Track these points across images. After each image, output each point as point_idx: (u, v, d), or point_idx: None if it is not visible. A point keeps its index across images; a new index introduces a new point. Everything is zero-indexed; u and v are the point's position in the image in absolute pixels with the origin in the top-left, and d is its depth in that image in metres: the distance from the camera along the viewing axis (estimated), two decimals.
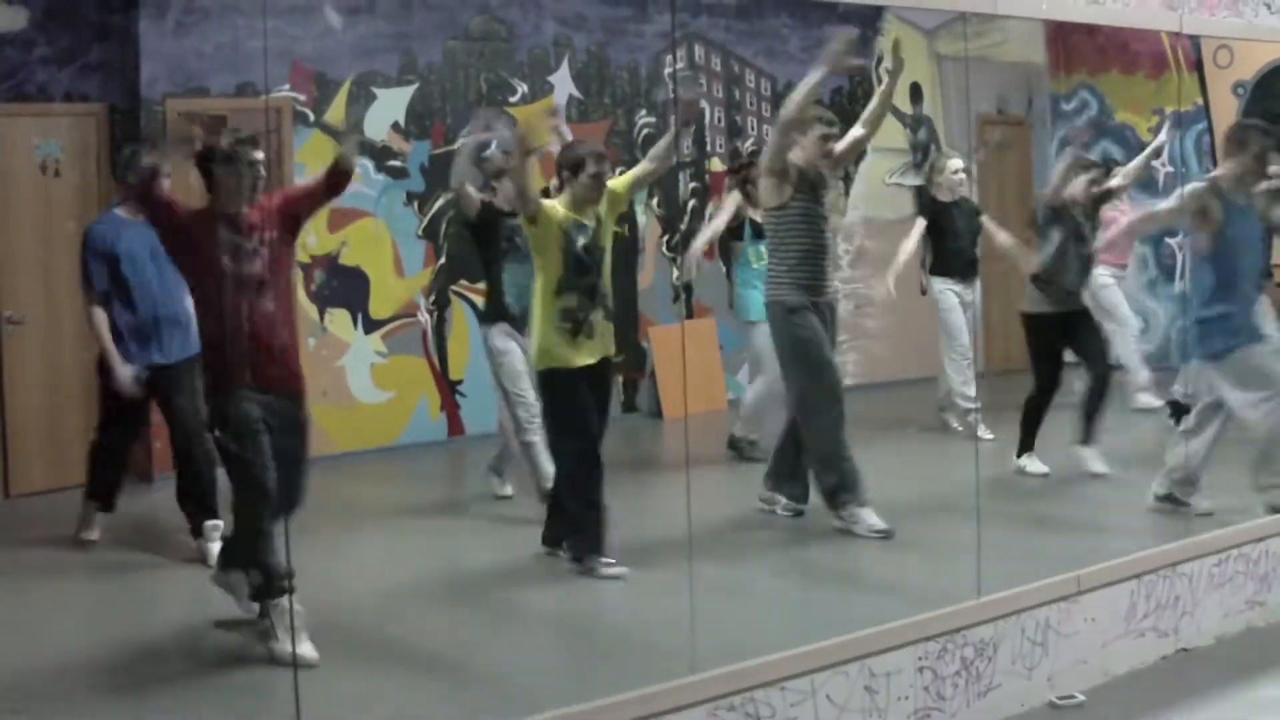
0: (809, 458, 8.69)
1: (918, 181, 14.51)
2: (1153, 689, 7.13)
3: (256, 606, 6.57)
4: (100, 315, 8.14)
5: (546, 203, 7.80)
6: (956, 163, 11.72)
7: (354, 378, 11.60)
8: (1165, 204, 8.61)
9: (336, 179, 6.80)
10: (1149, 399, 11.93)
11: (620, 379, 13.04)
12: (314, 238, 11.30)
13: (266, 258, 6.51)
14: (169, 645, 6.91)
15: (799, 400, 8.69)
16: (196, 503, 8.23)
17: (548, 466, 8.39)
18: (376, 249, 11.66)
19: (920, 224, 11.60)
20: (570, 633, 7.03)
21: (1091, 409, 9.91)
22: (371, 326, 11.66)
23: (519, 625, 7.27)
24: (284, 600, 6.35)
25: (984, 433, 10.53)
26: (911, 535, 8.52)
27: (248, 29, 10.82)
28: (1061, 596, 6.97)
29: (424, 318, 11.93)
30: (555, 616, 7.39)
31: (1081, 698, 6.92)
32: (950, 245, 11.50)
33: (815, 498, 8.79)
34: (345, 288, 11.52)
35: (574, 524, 7.84)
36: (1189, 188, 8.51)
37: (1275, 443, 8.29)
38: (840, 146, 8.86)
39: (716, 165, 13.71)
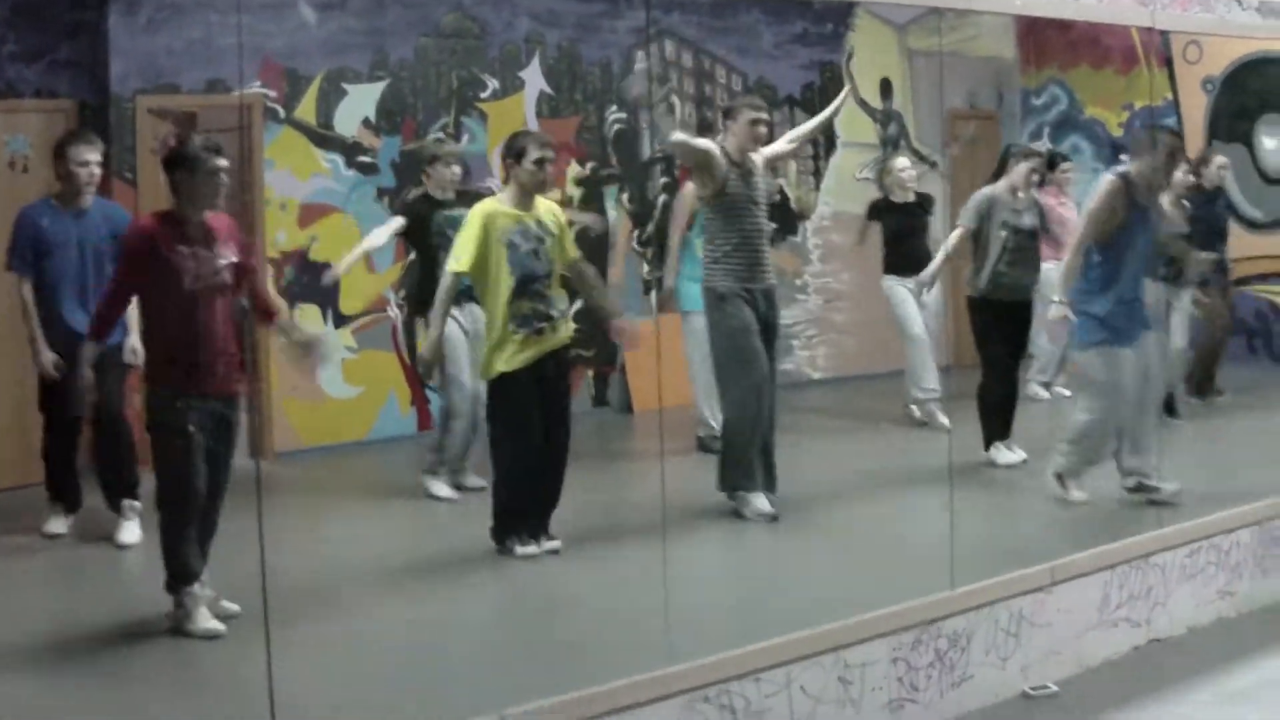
0: (724, 437, 8.83)
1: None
2: (1125, 679, 7.17)
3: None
4: (28, 293, 8.33)
5: (484, 203, 7.90)
6: (904, 161, 12.07)
7: (324, 373, 11.54)
8: (1093, 205, 8.56)
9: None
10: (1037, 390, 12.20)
11: (590, 374, 13.07)
12: (283, 234, 11.27)
13: (222, 267, 6.69)
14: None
15: (724, 386, 8.89)
16: (114, 482, 8.46)
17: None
18: (346, 244, 11.48)
19: (873, 227, 11.88)
20: (544, 623, 6.99)
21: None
22: (341, 321, 11.63)
23: (491, 617, 7.27)
24: (194, 587, 6.67)
25: (943, 419, 10.98)
26: (883, 527, 8.57)
27: (218, 25, 10.76)
28: (1035, 588, 7.00)
29: (394, 313, 11.89)
30: (528, 607, 7.37)
31: (1054, 688, 6.96)
32: (901, 244, 11.69)
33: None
34: (315, 283, 11.45)
35: (498, 507, 7.99)
36: (1104, 182, 8.58)
37: (1090, 430, 8.58)
38: (767, 152, 8.91)
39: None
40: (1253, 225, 14.86)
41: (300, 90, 11.42)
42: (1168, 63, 15.29)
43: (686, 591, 6.72)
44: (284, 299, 11.26)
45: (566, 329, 7.98)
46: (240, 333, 6.94)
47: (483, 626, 7.03)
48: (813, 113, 14.38)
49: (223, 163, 6.71)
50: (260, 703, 5.21)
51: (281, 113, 11.30)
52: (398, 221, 9.55)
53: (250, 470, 10.30)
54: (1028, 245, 10.06)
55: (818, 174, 14.79)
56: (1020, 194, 10.09)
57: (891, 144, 15.24)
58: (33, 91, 10.28)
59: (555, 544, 7.98)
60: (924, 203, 11.95)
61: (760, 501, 8.62)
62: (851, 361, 13.05)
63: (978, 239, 10.09)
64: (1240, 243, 14.66)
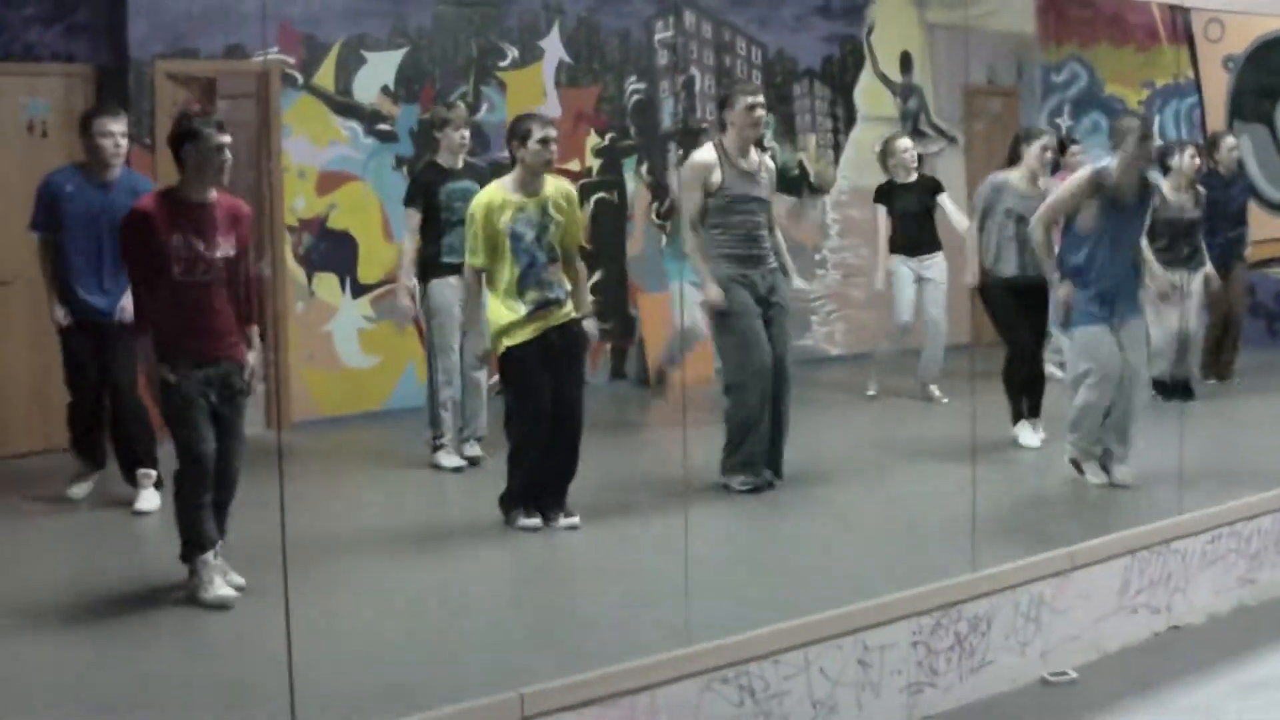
0: (728, 421, 8.82)
1: (921, 149, 14.50)
2: (1145, 666, 7.15)
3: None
4: (45, 251, 8.53)
5: (486, 192, 7.96)
6: (906, 142, 12.11)
7: (341, 342, 11.53)
8: (1060, 191, 8.91)
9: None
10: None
11: (609, 346, 13.03)
12: (302, 200, 11.22)
13: (214, 260, 6.71)
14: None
15: (724, 370, 8.95)
16: (128, 451, 8.55)
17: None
18: (365, 213, 11.57)
19: (882, 211, 11.92)
20: (560, 599, 6.95)
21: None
22: (359, 291, 11.57)
23: (507, 592, 7.24)
24: (208, 555, 6.71)
25: (936, 394, 11.75)
26: (903, 506, 8.54)
27: None
28: (1055, 572, 6.96)
29: (412, 282, 11.80)
30: (543, 582, 7.34)
31: (1074, 675, 6.92)
32: (907, 225, 11.80)
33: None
34: (333, 252, 11.43)
35: (510, 479, 8.05)
36: (1079, 175, 8.81)
37: (1085, 413, 8.67)
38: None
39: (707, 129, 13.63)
40: (1274, 207, 14.78)
41: (319, 57, 11.35)
42: (1189, 40, 15.19)
43: (705, 570, 6.67)
44: (302, 266, 11.22)
45: (570, 307, 8.00)
46: (244, 303, 6.96)
47: (498, 602, 6.98)
48: (832, 86, 14.47)
49: (225, 139, 6.72)
50: (279, 674, 5.16)
51: (300, 79, 11.23)
52: (415, 218, 9.51)
53: (267, 441, 10.41)
54: None
55: (837, 148, 14.72)
56: (1040, 180, 10.02)
57: (911, 118, 15.18)
58: (50, 55, 10.22)
59: (574, 520, 7.99)
60: (928, 183, 12.02)
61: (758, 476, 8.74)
62: (870, 337, 12.97)
63: (983, 226, 10.12)
64: (1261, 224, 14.59)
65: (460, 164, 9.55)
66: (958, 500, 7.69)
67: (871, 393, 12.18)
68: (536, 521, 7.93)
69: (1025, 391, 10.10)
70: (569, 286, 8.03)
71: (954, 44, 15.50)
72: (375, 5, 11.61)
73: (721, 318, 8.78)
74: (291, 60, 11.18)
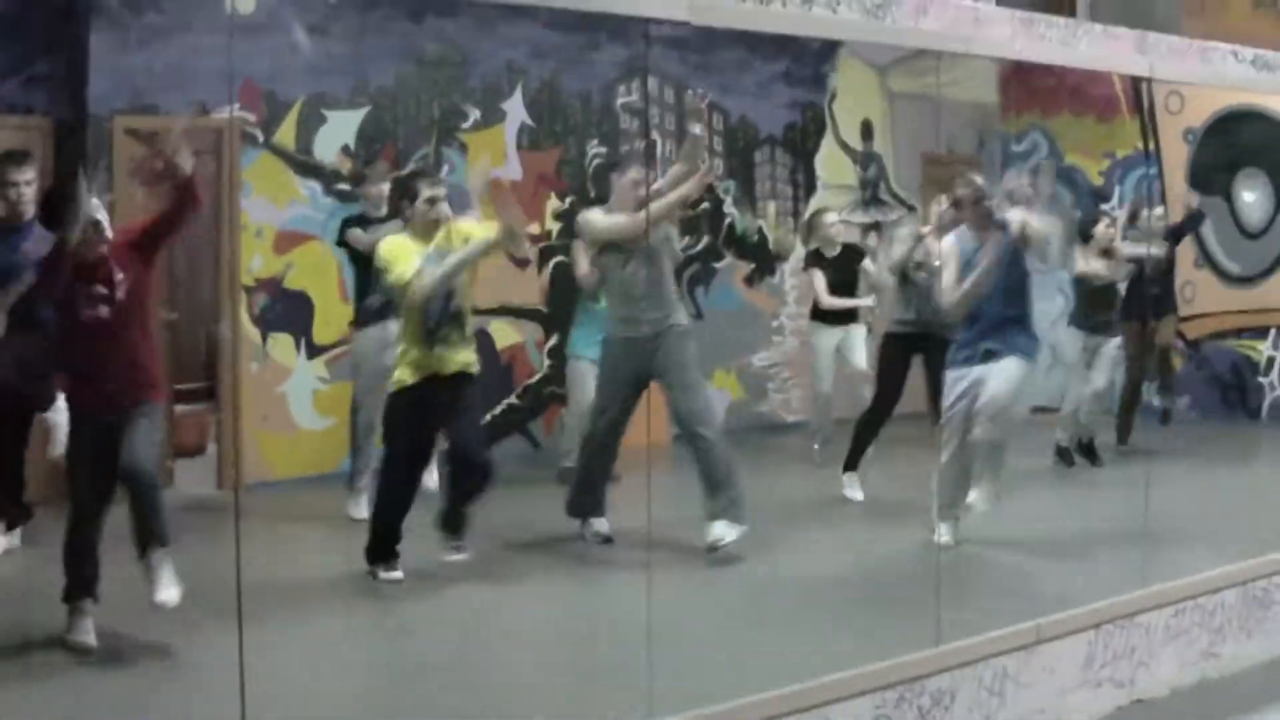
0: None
1: (866, 219, 14.50)
2: None
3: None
4: None
5: (391, 238, 8.15)
6: (832, 216, 12.21)
7: (295, 404, 11.41)
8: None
9: (182, 196, 6.84)
10: None
11: (563, 411, 12.91)
12: (259, 260, 11.11)
13: (116, 295, 6.81)
14: None
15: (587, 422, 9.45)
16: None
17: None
18: (322, 273, 11.47)
19: (818, 273, 11.87)
20: (517, 670, 6.84)
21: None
22: (314, 351, 11.46)
23: (455, 658, 7.10)
24: (83, 603, 6.85)
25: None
26: (864, 577, 8.47)
27: (199, 46, 10.62)
28: (1020, 645, 6.86)
29: None
30: (496, 651, 7.22)
31: None
32: (832, 294, 11.81)
33: (762, 537, 8.78)
34: (289, 312, 11.33)
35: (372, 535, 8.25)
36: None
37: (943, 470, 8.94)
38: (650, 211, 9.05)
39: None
40: (1230, 279, 14.83)
41: (280, 115, 11.26)
42: (1139, 111, 15.28)
43: (664, 642, 6.55)
44: (257, 327, 11.10)
45: (467, 355, 8.16)
46: (153, 345, 7.17)
47: (449, 673, 6.84)
48: (793, 153, 14.46)
49: (22, 176, 7.31)
50: None
51: (260, 137, 11.13)
52: (342, 254, 10.05)
53: (217, 501, 10.28)
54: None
55: (796, 215, 14.70)
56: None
57: (870, 186, 15.19)
58: (8, 107, 10.11)
59: (463, 555, 8.29)
60: (852, 253, 12.02)
61: (601, 525, 9.12)
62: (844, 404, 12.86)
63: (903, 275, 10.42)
64: (1218, 296, 14.69)
65: (384, 213, 9.72)
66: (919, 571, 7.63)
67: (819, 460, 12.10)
68: (398, 575, 8.12)
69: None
70: (469, 333, 8.22)
71: (915, 112, 15.52)
72: (338, 64, 11.53)
73: (597, 375, 9.34)
74: (252, 118, 11.09)
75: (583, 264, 9.91)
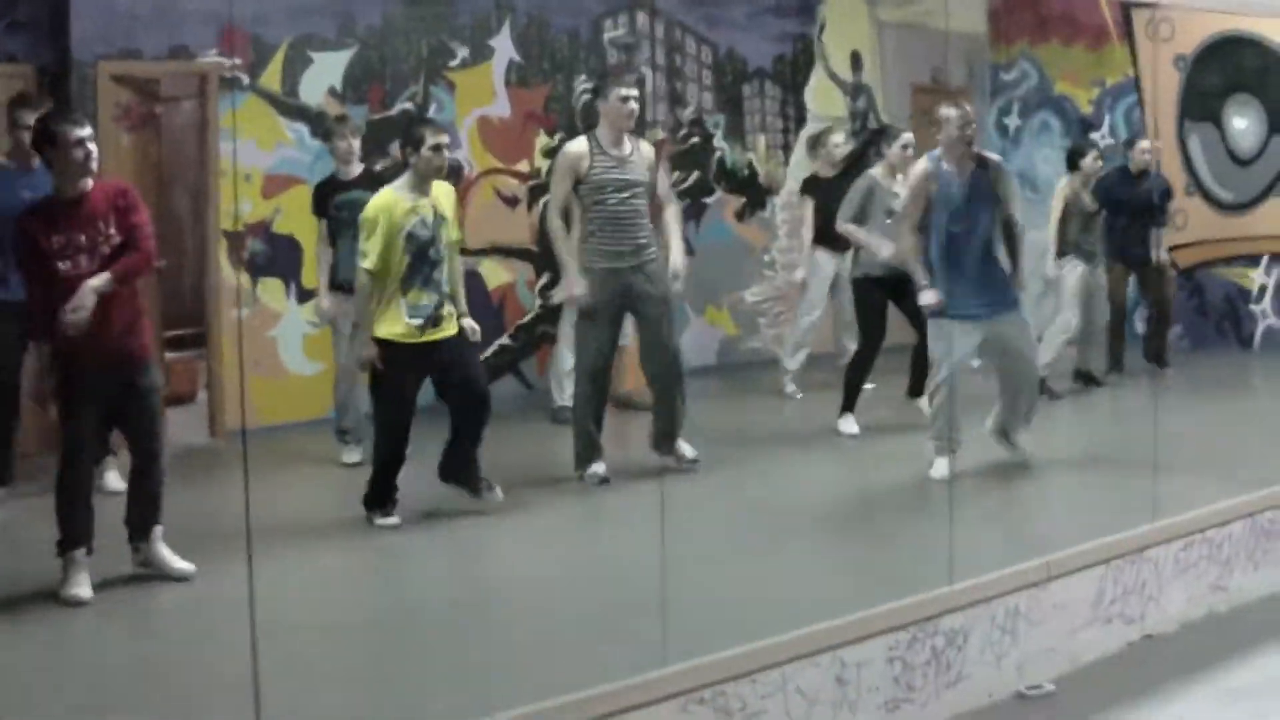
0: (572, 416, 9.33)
1: (850, 147, 14.40)
2: (1121, 678, 7.00)
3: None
4: None
5: (380, 196, 8.12)
6: (839, 138, 12.38)
7: (285, 349, 11.30)
8: (906, 191, 9.25)
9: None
10: None
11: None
12: (248, 204, 10.97)
13: (98, 249, 6.80)
14: None
15: (575, 366, 9.41)
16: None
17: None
18: (310, 216, 11.26)
19: (809, 204, 12.04)
20: (526, 618, 6.75)
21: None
22: (304, 296, 11.32)
23: (470, 608, 7.00)
24: (79, 552, 6.83)
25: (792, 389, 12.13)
26: (872, 516, 8.45)
27: None
28: (1032, 583, 6.82)
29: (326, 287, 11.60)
30: (511, 600, 7.14)
31: (1051, 687, 6.78)
32: (829, 218, 11.61)
33: (764, 476, 8.70)
34: (278, 256, 11.20)
35: (370, 487, 8.25)
36: (915, 168, 9.19)
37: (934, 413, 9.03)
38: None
39: (658, 134, 13.47)
40: (1222, 206, 14.75)
41: (265, 57, 11.11)
42: (1128, 38, 15.19)
43: (677, 587, 6.48)
44: (248, 272, 10.98)
45: (453, 321, 8.22)
46: (141, 303, 7.13)
47: (460, 619, 6.76)
48: (783, 86, 14.33)
49: (84, 132, 6.77)
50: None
51: (245, 81, 10.97)
52: (322, 225, 9.76)
53: (210, 449, 10.20)
54: None
55: (786, 148, 14.59)
56: (899, 175, 10.47)
57: (860, 117, 15.07)
58: None
59: (497, 493, 8.41)
60: (848, 178, 11.85)
61: (599, 467, 9.06)
62: (820, 339, 12.81)
63: (860, 222, 10.57)
64: (1210, 224, 14.62)
65: (354, 173, 9.64)
66: (929, 511, 7.58)
67: (791, 390, 12.21)
68: (395, 520, 8.13)
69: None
70: (452, 304, 8.26)
71: (904, 42, 15.42)
72: (323, 4, 11.38)
73: (580, 311, 9.08)
74: (236, 61, 10.91)
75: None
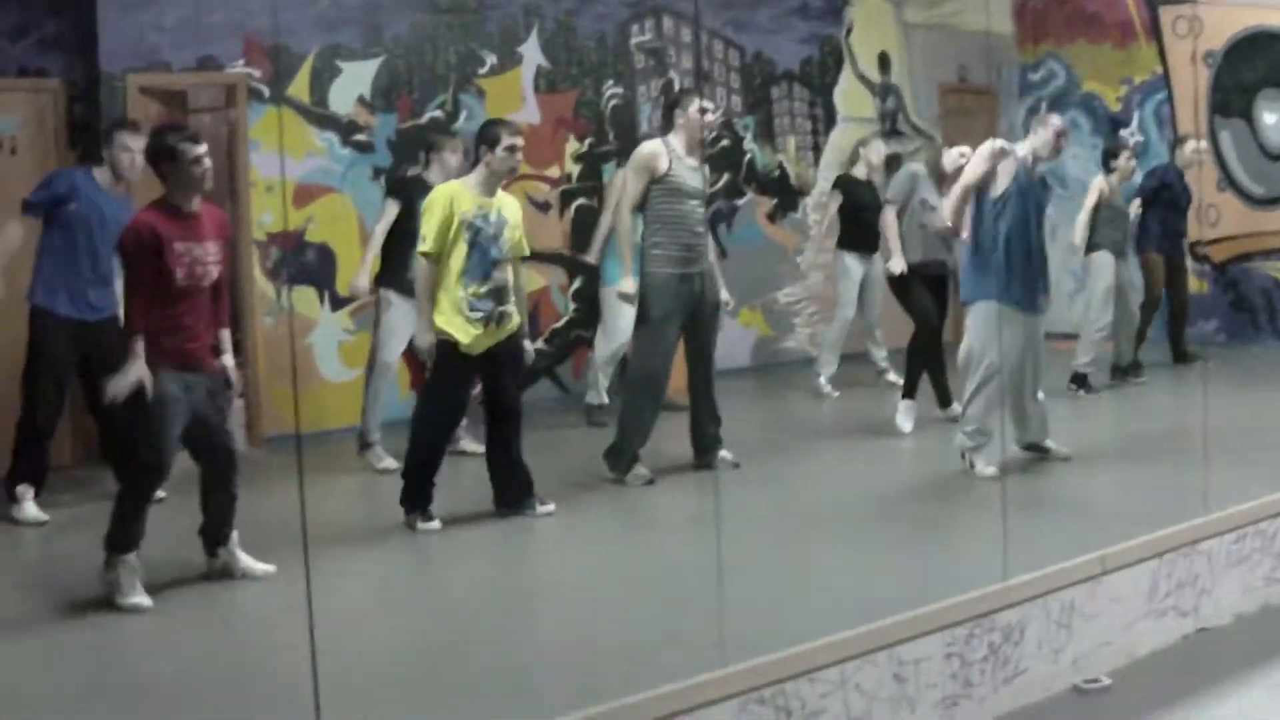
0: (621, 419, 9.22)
1: (886, 151, 14.32)
2: (1176, 671, 6.95)
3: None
4: (11, 230, 8.62)
5: (448, 185, 8.15)
6: (882, 146, 12.46)
7: (321, 356, 11.27)
8: (971, 166, 9.11)
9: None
10: None
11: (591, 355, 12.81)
12: (269, 215, 10.93)
13: (211, 264, 6.96)
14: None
15: (630, 368, 9.49)
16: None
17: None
18: (343, 225, 11.31)
19: (836, 197, 12.24)
20: (579, 621, 6.70)
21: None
22: (338, 304, 11.31)
23: (522, 609, 6.96)
24: (129, 557, 6.80)
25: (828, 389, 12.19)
26: (921, 515, 8.38)
27: (208, 1, 10.48)
28: (1087, 577, 6.76)
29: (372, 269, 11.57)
30: (562, 602, 7.09)
31: (1107, 681, 6.72)
32: (859, 220, 11.96)
33: (812, 475, 8.66)
34: (312, 264, 11.18)
35: (406, 476, 8.25)
36: (985, 146, 9.04)
37: (969, 404, 8.93)
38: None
39: None
40: (1254, 201, 14.67)
41: (294, 68, 11.08)
42: (1156, 36, 15.15)
43: (733, 588, 6.42)
44: (270, 281, 10.94)
45: (516, 321, 8.20)
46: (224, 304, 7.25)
47: (512, 622, 6.71)
48: (811, 87, 14.29)
49: (202, 149, 6.91)
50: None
51: (266, 93, 10.93)
52: (394, 208, 9.64)
53: (245, 457, 10.10)
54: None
55: (817, 149, 14.55)
56: (944, 185, 10.44)
57: (889, 118, 15.04)
58: (18, 70, 9.94)
59: (550, 507, 8.37)
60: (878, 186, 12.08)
61: (640, 468, 9.05)
62: (852, 339, 12.76)
63: (902, 215, 10.60)
64: (1243, 218, 14.54)
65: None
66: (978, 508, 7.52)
67: (827, 389, 12.24)
68: (436, 525, 8.11)
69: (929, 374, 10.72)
70: (513, 299, 8.21)
71: (931, 43, 15.39)
72: (350, 14, 11.36)
73: (642, 315, 9.04)
74: (258, 73, 10.89)
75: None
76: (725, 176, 13.72)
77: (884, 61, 15.09)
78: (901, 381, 11.01)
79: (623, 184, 9.86)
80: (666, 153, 8.94)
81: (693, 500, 8.75)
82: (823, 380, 12.20)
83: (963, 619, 6.24)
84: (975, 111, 15.92)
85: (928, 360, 10.60)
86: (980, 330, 8.84)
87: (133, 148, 8.42)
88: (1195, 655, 7.16)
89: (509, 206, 8.19)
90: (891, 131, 14.74)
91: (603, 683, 5.47)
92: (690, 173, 8.99)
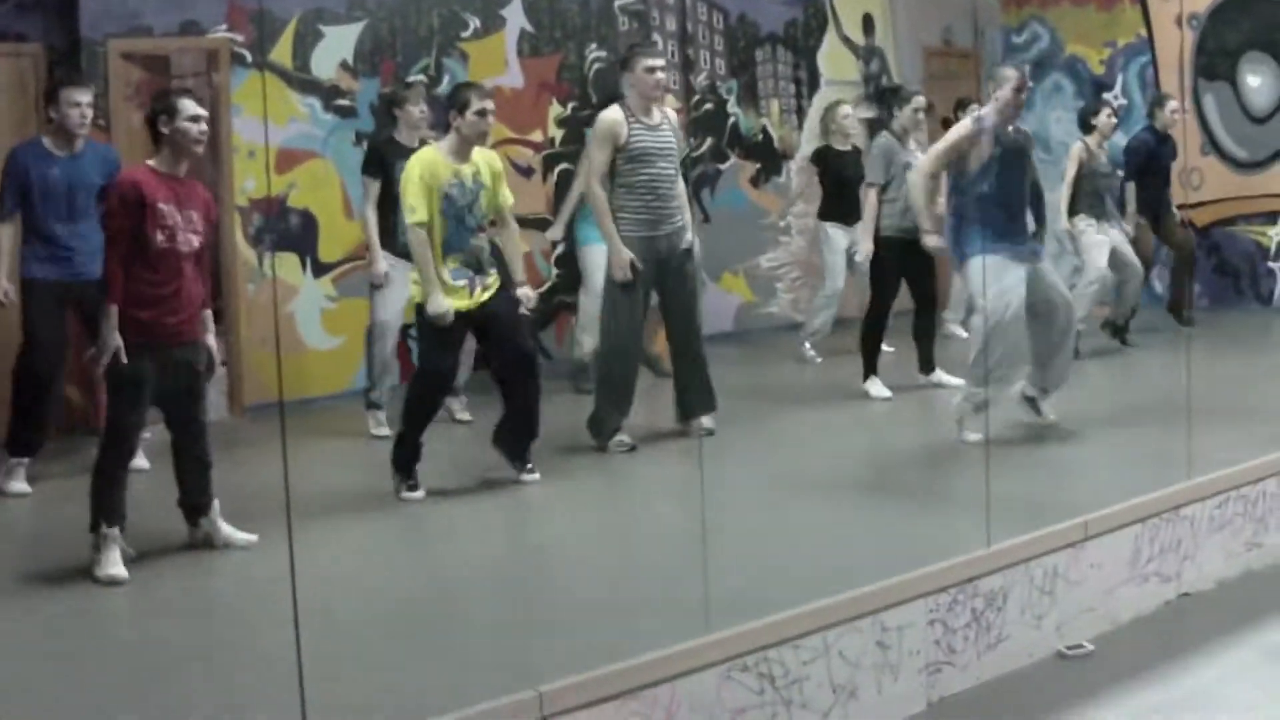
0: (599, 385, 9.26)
1: (870, 114, 14.30)
2: (1159, 637, 6.98)
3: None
4: (6, 231, 8.57)
5: (423, 152, 8.09)
6: (846, 109, 12.26)
7: (304, 323, 11.23)
8: (943, 141, 9.03)
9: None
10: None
11: (574, 319, 12.79)
12: (252, 181, 10.88)
13: (198, 223, 6.91)
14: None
15: (601, 333, 9.31)
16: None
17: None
18: (325, 190, 11.26)
19: (814, 173, 12.24)
20: (567, 587, 6.68)
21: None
22: (321, 270, 11.27)
23: (510, 577, 6.94)
24: (113, 531, 6.78)
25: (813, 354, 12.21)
26: (903, 478, 8.39)
27: None
28: (1070, 543, 6.77)
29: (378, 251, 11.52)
30: (552, 568, 7.08)
31: (1090, 647, 6.73)
32: (841, 191, 11.90)
33: (794, 440, 8.64)
34: (294, 231, 11.13)
35: (398, 444, 8.19)
36: (960, 124, 9.03)
37: (980, 354, 8.72)
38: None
39: (671, 101, 13.37)
40: (1238, 164, 14.67)
41: (276, 32, 11.02)
42: None
43: (716, 554, 6.41)
44: (252, 248, 10.89)
45: (494, 279, 8.15)
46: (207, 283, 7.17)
47: (498, 589, 6.69)
48: (795, 50, 14.25)
49: (203, 111, 6.88)
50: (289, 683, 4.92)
51: (248, 57, 10.87)
52: (374, 187, 9.64)
53: (226, 425, 10.11)
54: None
55: (800, 113, 14.51)
56: (912, 137, 10.70)
57: (873, 81, 15.00)
58: None
59: (534, 475, 8.32)
60: (859, 152, 12.01)
61: (624, 436, 9.05)
62: (844, 304, 12.75)
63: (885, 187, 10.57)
64: (1226, 182, 14.55)
65: (417, 142, 9.39)
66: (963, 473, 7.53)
67: (810, 355, 12.25)
68: (419, 495, 8.06)
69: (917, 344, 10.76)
70: (493, 263, 8.18)
71: (915, 6, 15.36)
72: None
73: (608, 279, 9.01)
74: (240, 38, 10.83)
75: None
76: (708, 140, 13.68)
77: (868, 24, 15.05)
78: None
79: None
80: (625, 119, 8.88)
81: (676, 467, 8.73)
82: (807, 346, 12.20)
83: (946, 585, 6.25)
84: (960, 75, 15.89)
85: (878, 339, 10.61)
86: (974, 288, 8.76)
87: (81, 101, 8.41)
88: (1178, 621, 7.19)
89: (484, 167, 8.13)
90: (876, 93, 14.69)
91: (586, 649, 5.47)
92: (650, 133, 8.91)
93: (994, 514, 6.68)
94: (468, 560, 7.17)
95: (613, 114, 8.96)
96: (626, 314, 8.98)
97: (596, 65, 12.92)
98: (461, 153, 8.03)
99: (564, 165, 12.57)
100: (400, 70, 11.58)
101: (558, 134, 12.64)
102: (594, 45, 12.93)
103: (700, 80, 13.68)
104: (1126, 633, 6.99)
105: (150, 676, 5.55)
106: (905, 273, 10.54)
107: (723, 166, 13.95)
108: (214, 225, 7.18)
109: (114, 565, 6.70)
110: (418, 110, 9.61)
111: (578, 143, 12.65)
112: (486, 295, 8.06)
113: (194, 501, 7.18)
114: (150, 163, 6.88)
